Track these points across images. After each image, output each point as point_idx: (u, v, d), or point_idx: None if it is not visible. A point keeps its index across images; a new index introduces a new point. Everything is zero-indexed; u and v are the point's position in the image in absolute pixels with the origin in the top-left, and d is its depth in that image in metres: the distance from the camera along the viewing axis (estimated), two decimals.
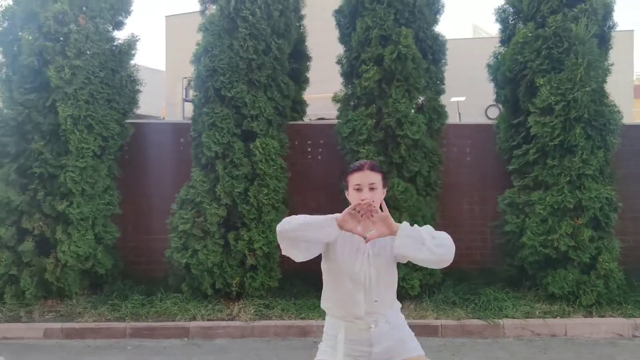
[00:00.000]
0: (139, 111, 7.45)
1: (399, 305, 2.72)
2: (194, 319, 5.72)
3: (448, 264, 2.48)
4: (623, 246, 6.38)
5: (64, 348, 5.31)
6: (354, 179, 2.55)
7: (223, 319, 5.70)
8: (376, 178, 2.54)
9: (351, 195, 2.56)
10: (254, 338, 5.58)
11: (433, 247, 2.42)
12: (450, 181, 7.23)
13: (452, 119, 7.11)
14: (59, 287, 5.98)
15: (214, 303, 5.99)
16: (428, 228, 2.49)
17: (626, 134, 6.63)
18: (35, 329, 5.56)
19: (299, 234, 2.42)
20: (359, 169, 2.56)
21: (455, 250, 2.48)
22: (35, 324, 5.63)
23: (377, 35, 5.99)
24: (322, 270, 2.66)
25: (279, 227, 2.44)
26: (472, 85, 13.31)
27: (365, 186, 2.51)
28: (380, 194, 2.54)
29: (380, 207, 2.43)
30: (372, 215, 2.41)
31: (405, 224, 2.44)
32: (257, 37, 6.01)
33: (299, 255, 2.48)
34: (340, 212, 2.45)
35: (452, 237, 2.50)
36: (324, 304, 2.71)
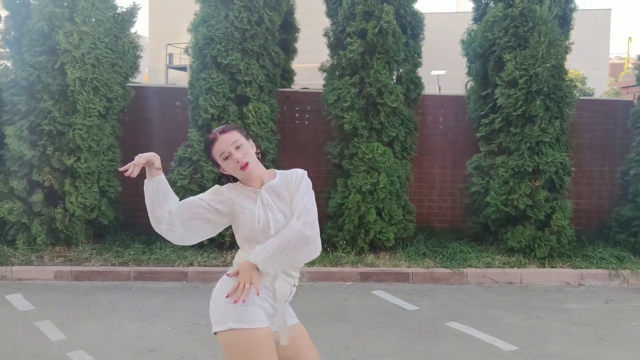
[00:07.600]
0: None
1: None
2: (191, 265, 6.35)
3: (307, 243, 2.30)
4: (577, 208, 7.17)
5: (75, 288, 5.90)
6: (217, 151, 2.33)
7: (217, 265, 6.34)
8: (235, 136, 2.34)
9: (227, 166, 2.35)
10: None
11: (283, 251, 2.30)
12: (426, 147, 7.88)
13: (434, 91, 7.68)
14: (67, 235, 6.55)
15: (209, 252, 6.62)
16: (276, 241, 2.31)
17: (582, 106, 7.37)
18: (46, 271, 6.14)
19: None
20: (214, 140, 2.33)
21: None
22: (46, 267, 6.20)
23: (361, 10, 6.54)
24: None
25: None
26: (455, 59, 13.90)
27: (231, 148, 2.31)
28: (248, 146, 2.36)
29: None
30: (245, 169, 2.32)
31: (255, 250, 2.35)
32: (250, 9, 6.52)
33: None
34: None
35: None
36: None
